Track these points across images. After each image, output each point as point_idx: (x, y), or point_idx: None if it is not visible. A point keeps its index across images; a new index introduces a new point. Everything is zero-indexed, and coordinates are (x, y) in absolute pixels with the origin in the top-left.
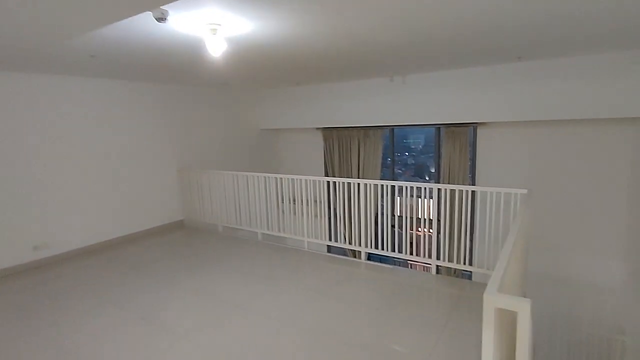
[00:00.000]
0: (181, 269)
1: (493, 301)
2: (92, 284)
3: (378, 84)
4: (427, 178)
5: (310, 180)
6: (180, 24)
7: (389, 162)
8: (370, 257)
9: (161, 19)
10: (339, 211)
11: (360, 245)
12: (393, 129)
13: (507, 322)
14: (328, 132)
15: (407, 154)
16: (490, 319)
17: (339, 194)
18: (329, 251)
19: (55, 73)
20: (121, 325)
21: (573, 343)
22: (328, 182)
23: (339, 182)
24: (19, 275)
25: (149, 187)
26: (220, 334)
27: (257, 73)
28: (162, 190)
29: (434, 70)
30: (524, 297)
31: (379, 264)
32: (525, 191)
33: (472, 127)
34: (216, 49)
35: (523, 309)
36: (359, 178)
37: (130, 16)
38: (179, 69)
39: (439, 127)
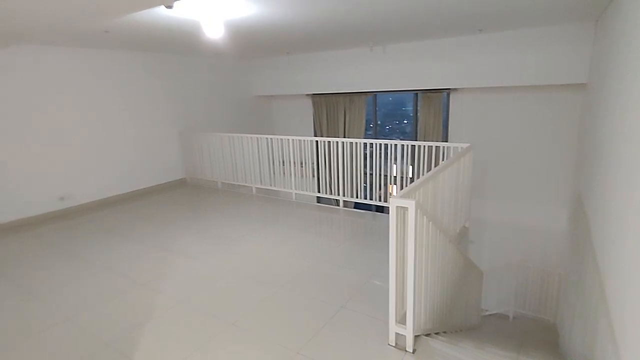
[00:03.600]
0: (187, 216)
1: (394, 202)
2: (111, 228)
3: (361, 54)
4: None
5: (297, 140)
6: (183, 10)
7: (387, 129)
8: (357, 206)
9: (169, 6)
10: (322, 166)
11: (338, 194)
12: (375, 95)
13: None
14: (317, 98)
15: (405, 121)
16: (393, 214)
17: (324, 152)
18: (318, 202)
19: (70, 46)
20: (143, 254)
21: (520, 280)
22: (317, 141)
23: (324, 141)
24: (49, 221)
25: (154, 149)
26: (223, 256)
27: (250, 46)
28: (166, 151)
29: (410, 40)
30: (466, 228)
31: (355, 209)
32: (467, 145)
33: (446, 93)
34: (214, 32)
35: (411, 205)
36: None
37: (152, 7)
38: (180, 43)
39: (417, 93)
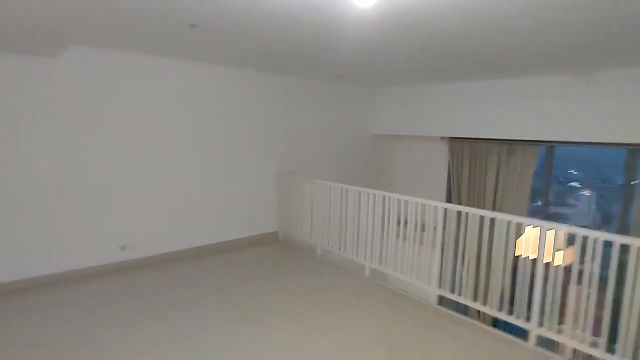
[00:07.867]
0: (270, 300)
1: None
2: (168, 296)
3: (539, 84)
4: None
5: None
6: None
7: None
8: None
9: None
10: (461, 252)
11: (528, 321)
12: (552, 147)
13: None
14: (457, 143)
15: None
16: None
17: (463, 227)
18: (440, 303)
19: (138, 52)
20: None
21: None
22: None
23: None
24: (107, 274)
25: (244, 192)
26: None
27: (380, 66)
28: (258, 196)
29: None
30: None
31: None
32: None
33: None
34: None
35: None
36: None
37: None
38: (297, 53)
39: (634, 150)
